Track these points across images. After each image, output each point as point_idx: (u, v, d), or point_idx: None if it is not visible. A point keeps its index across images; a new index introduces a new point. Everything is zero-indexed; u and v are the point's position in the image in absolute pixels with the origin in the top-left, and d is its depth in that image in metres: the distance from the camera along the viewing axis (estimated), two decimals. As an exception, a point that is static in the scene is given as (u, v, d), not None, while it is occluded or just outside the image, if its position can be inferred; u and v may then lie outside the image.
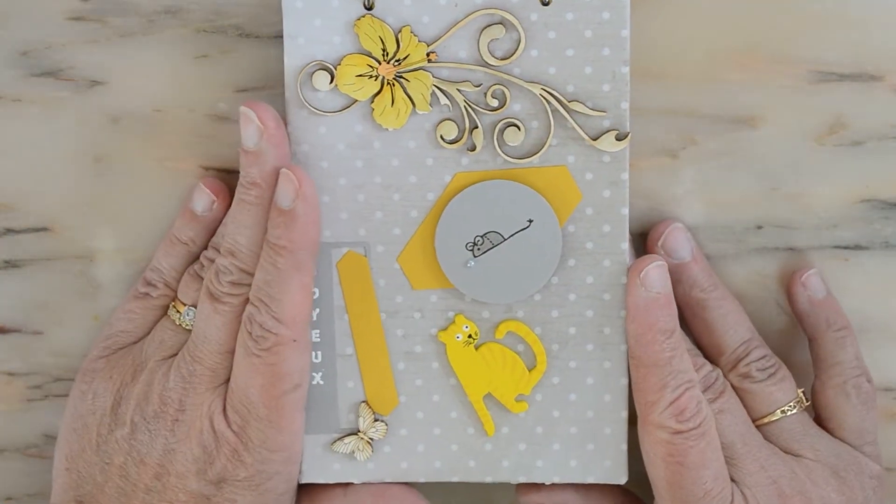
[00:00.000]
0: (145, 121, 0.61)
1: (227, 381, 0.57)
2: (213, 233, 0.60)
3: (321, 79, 0.56)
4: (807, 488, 0.57)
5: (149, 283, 0.60)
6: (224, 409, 0.57)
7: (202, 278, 0.58)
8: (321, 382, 0.58)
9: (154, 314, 0.60)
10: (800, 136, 0.60)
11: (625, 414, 0.58)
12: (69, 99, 0.61)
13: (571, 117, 0.55)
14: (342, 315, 0.57)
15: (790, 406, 0.59)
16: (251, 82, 0.60)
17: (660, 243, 0.60)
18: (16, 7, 0.60)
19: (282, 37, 0.56)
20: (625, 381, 0.57)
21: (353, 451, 0.58)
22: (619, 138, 0.55)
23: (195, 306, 0.59)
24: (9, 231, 0.62)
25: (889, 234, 0.61)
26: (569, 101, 0.55)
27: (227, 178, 0.61)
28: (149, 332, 0.60)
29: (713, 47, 0.59)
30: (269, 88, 0.60)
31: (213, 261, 0.58)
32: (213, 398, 0.57)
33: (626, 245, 0.56)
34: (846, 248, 0.61)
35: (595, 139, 0.55)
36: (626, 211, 0.56)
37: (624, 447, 0.58)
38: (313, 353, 0.58)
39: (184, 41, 0.60)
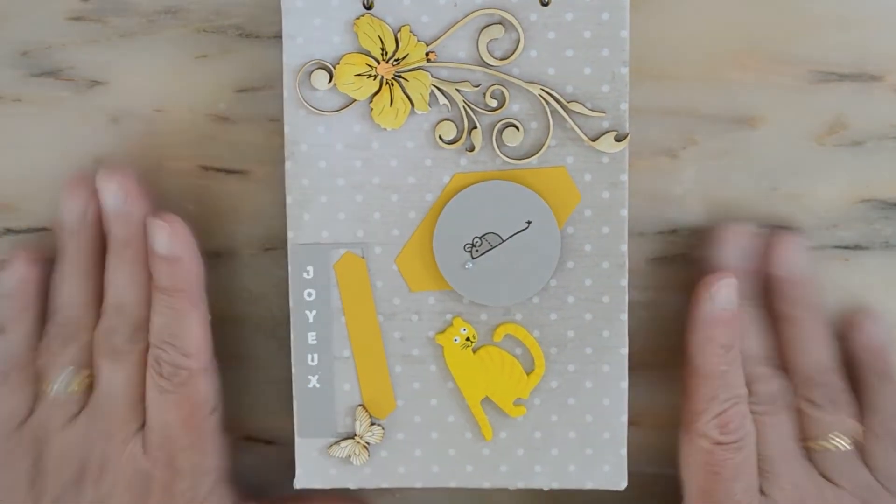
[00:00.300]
0: (145, 121, 0.61)
1: (142, 426, 0.59)
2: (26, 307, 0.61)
3: (320, 78, 0.55)
4: None
5: None
6: (145, 451, 0.59)
7: (59, 348, 0.59)
8: (317, 385, 0.58)
9: (19, 394, 0.61)
10: (800, 136, 0.60)
11: (624, 418, 0.57)
12: (69, 99, 0.61)
13: (570, 118, 0.55)
14: (339, 317, 0.57)
15: (841, 439, 0.59)
16: (251, 82, 0.60)
17: (774, 253, 0.59)
18: (16, 7, 0.60)
19: (281, 36, 0.56)
20: (624, 385, 0.57)
21: (350, 456, 0.58)
22: (618, 139, 0.55)
23: (72, 373, 0.59)
24: (9, 231, 0.62)
25: (889, 234, 0.60)
26: (568, 102, 0.55)
27: (223, 180, 0.61)
28: (25, 410, 0.61)
29: (713, 47, 0.59)
30: (269, 88, 0.60)
31: (62, 331, 0.59)
32: (130, 445, 0.59)
33: (624, 247, 0.56)
34: (846, 248, 0.61)
35: (594, 140, 0.55)
36: (625, 212, 0.56)
37: (623, 452, 0.57)
38: (310, 356, 0.57)
39: (184, 41, 0.60)
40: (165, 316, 0.58)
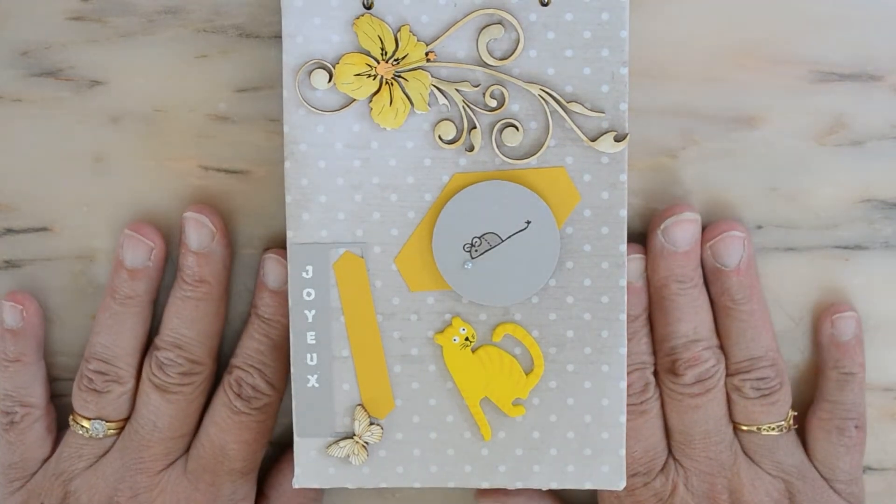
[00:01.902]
0: (145, 121, 0.61)
1: (180, 456, 0.61)
2: (30, 345, 0.62)
3: (319, 77, 0.55)
4: (742, 491, 0.60)
5: (6, 412, 0.62)
6: (187, 471, 0.60)
7: (94, 391, 0.60)
8: (316, 385, 0.57)
9: (33, 435, 0.62)
10: (800, 136, 0.60)
11: (623, 419, 0.57)
12: (69, 99, 0.61)
13: (570, 118, 0.55)
14: (338, 317, 0.57)
15: (770, 427, 0.60)
16: (251, 82, 0.60)
17: (709, 244, 0.60)
18: (16, 7, 0.60)
19: (281, 36, 0.56)
20: (623, 385, 0.57)
21: (349, 456, 0.57)
22: (617, 139, 0.55)
23: (99, 418, 0.60)
24: (9, 231, 0.62)
25: (889, 234, 0.61)
26: (567, 102, 0.55)
27: (223, 180, 0.61)
28: (42, 451, 0.62)
29: (713, 47, 0.59)
30: (269, 88, 0.60)
31: (100, 373, 0.60)
32: (168, 473, 0.60)
33: (623, 247, 0.56)
34: (846, 248, 0.61)
35: (593, 140, 0.55)
36: (624, 213, 0.56)
37: (622, 452, 0.57)
38: (309, 356, 0.57)
39: (184, 41, 0.60)
40: (260, 343, 0.60)
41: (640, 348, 0.60)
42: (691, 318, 0.59)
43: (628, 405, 0.59)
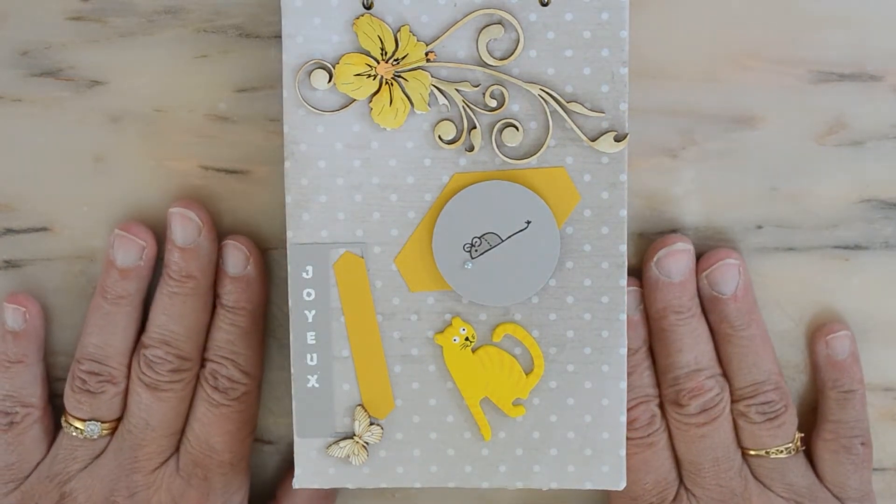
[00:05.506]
0: (145, 121, 0.61)
1: (174, 452, 0.61)
2: (32, 346, 0.62)
3: (319, 77, 0.55)
4: None
5: (6, 413, 0.61)
6: (179, 468, 0.60)
7: (87, 391, 0.60)
8: (316, 385, 0.57)
9: (32, 436, 0.62)
10: (800, 136, 0.60)
11: (623, 418, 0.57)
12: (69, 99, 0.61)
13: (570, 118, 0.55)
14: (338, 317, 0.57)
15: (778, 450, 0.60)
16: (251, 82, 0.60)
17: (705, 273, 0.60)
18: (16, 7, 0.60)
19: (281, 36, 0.56)
20: (623, 385, 0.57)
21: (349, 456, 0.57)
22: (617, 139, 0.55)
23: (93, 419, 0.60)
24: (9, 231, 0.62)
25: (889, 234, 0.61)
26: (567, 102, 0.55)
27: (223, 180, 0.61)
28: (38, 452, 0.62)
29: (713, 47, 0.59)
30: (269, 88, 0.60)
31: (93, 373, 0.60)
32: (163, 471, 0.60)
33: (624, 247, 0.56)
34: (846, 248, 0.61)
35: (593, 140, 0.55)
36: (624, 213, 0.56)
37: (622, 452, 0.57)
38: (309, 356, 0.57)
39: (184, 41, 0.60)
40: (229, 333, 0.60)
41: (643, 381, 0.60)
42: (692, 348, 0.60)
43: (635, 438, 0.60)
